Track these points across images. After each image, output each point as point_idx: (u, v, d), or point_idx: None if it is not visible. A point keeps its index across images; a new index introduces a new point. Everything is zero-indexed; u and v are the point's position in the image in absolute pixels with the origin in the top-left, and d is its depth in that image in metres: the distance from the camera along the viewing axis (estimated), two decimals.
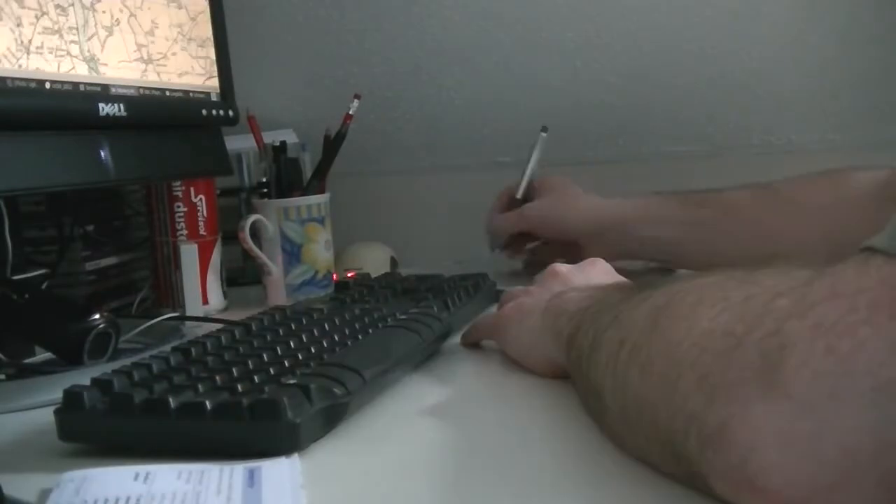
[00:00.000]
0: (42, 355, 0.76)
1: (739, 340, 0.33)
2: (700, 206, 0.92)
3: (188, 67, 0.88)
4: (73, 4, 0.72)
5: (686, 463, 0.36)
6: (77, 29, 0.72)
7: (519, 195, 1.04)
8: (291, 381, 0.52)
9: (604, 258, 0.92)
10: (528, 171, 1.04)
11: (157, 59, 0.83)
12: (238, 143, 1.07)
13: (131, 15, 0.80)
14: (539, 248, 1.07)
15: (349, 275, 1.02)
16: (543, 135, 1.05)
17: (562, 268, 0.67)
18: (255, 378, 0.53)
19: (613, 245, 0.94)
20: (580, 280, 0.64)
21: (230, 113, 0.93)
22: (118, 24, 0.78)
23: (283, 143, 1.00)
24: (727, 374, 0.33)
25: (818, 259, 0.34)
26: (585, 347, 0.49)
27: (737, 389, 0.32)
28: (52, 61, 0.69)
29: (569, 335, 0.54)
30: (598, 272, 0.66)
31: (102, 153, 0.75)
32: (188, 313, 0.93)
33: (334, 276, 0.99)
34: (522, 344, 0.63)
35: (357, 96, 0.99)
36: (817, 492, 0.30)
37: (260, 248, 0.96)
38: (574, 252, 0.94)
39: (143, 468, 0.45)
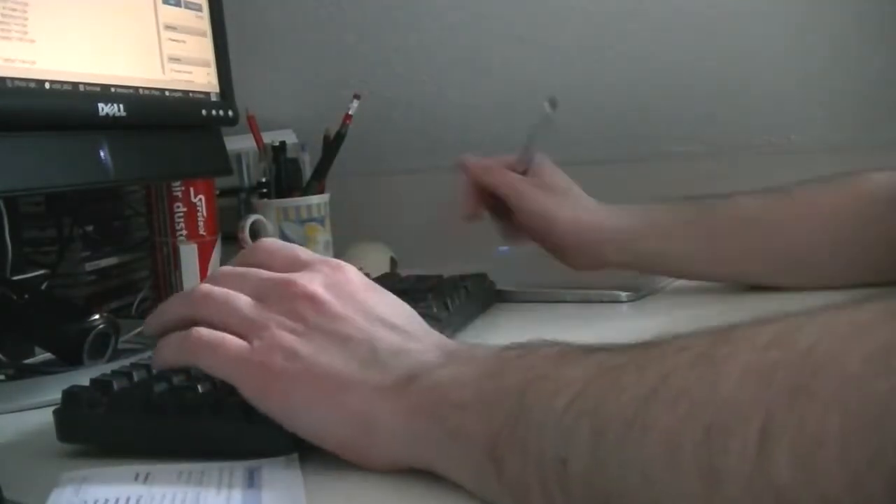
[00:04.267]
0: (42, 355, 0.76)
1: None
2: (711, 215, 0.85)
3: (188, 67, 0.88)
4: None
5: None
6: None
7: (519, 169, 0.90)
8: None
9: (585, 268, 0.87)
10: (533, 149, 0.90)
11: (157, 58, 0.83)
12: (238, 143, 1.07)
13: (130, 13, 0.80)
14: (508, 227, 0.93)
15: None
16: (549, 110, 0.88)
17: (310, 286, 0.46)
18: None
19: (604, 256, 0.86)
20: (353, 310, 0.46)
21: (230, 113, 0.93)
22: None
23: (283, 144, 1.00)
24: None
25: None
26: (580, 444, 0.34)
27: None
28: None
29: (492, 436, 0.38)
30: (359, 289, 0.48)
31: (102, 153, 0.75)
32: None
33: None
34: (342, 431, 0.44)
35: (357, 96, 0.99)
36: None
37: None
38: (557, 252, 0.89)
39: (143, 468, 0.45)
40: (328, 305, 0.45)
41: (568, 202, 0.88)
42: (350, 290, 0.47)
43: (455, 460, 0.41)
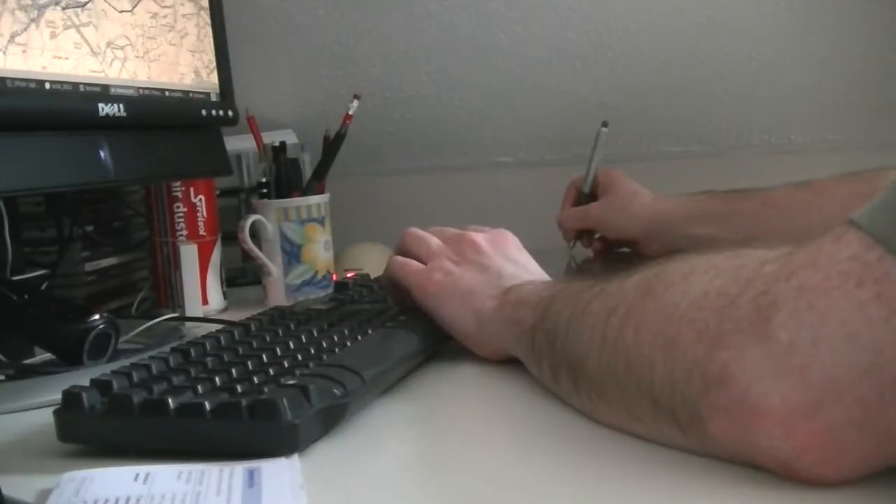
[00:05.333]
0: (42, 356, 0.76)
1: (733, 299, 0.40)
2: (742, 202, 0.96)
3: (187, 67, 0.88)
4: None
5: (682, 410, 0.41)
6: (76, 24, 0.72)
7: (586, 189, 1.10)
8: (291, 382, 0.52)
9: (659, 254, 0.99)
10: (593, 166, 1.10)
11: (157, 59, 0.83)
12: (238, 143, 1.07)
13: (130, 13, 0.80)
14: (605, 239, 1.13)
15: (349, 275, 1.02)
16: (604, 129, 1.09)
17: (476, 236, 0.70)
18: (255, 379, 0.53)
19: (667, 242, 1.01)
20: (497, 254, 0.68)
21: (230, 113, 0.93)
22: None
23: (283, 144, 1.00)
24: (724, 326, 0.39)
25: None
26: (561, 325, 0.53)
27: (734, 337, 0.39)
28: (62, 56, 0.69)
29: (533, 324, 0.58)
30: (510, 245, 0.70)
31: (102, 153, 0.75)
32: (188, 314, 0.93)
33: (334, 277, 0.99)
34: (466, 324, 0.66)
35: (357, 96, 0.99)
36: (807, 408, 0.36)
37: (259, 248, 0.96)
38: (634, 246, 1.07)
39: (143, 468, 0.45)
40: (481, 247, 0.69)
41: (633, 202, 1.05)
42: (500, 243, 0.70)
43: (515, 339, 0.61)
